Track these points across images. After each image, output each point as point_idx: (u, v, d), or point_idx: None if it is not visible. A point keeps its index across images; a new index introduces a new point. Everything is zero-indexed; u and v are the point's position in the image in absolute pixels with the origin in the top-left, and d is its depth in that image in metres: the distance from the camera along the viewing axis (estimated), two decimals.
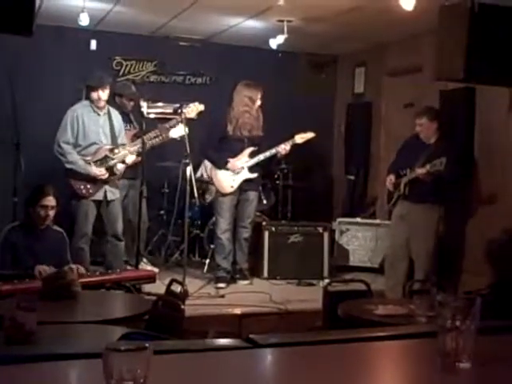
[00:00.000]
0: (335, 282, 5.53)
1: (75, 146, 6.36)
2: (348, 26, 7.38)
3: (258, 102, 6.82)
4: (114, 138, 6.46)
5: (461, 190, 6.70)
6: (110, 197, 6.43)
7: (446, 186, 6.24)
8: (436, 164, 5.91)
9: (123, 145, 6.52)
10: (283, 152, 6.88)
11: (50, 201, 4.99)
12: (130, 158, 6.48)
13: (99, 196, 6.38)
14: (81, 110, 6.46)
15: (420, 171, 6.09)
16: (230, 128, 6.78)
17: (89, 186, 6.32)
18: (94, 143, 6.40)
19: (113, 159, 6.39)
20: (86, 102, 6.54)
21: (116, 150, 6.41)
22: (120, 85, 7.35)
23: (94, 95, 6.39)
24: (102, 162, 6.38)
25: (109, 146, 6.42)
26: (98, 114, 6.46)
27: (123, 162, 6.44)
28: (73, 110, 6.45)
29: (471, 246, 6.70)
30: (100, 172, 6.31)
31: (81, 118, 6.38)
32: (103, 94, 6.40)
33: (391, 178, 6.46)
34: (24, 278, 4.57)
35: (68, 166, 6.32)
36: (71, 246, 5.95)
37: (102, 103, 6.44)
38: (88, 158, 6.34)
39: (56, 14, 7.16)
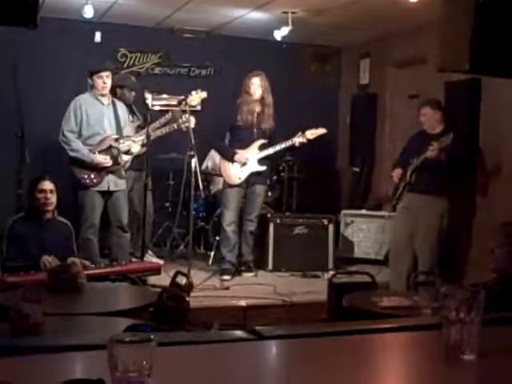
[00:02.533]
0: (340, 273, 5.54)
1: (79, 135, 6.34)
2: (352, 18, 7.36)
3: (263, 90, 6.74)
4: (118, 128, 6.43)
5: (466, 180, 6.69)
6: (112, 187, 6.38)
7: (453, 172, 6.22)
8: (443, 140, 5.90)
9: (128, 136, 6.51)
10: (296, 144, 6.84)
11: (47, 184, 5.02)
12: (136, 148, 6.47)
13: (104, 187, 6.35)
14: (84, 99, 6.43)
15: (429, 152, 6.04)
16: (239, 117, 6.75)
17: (92, 176, 6.30)
18: (98, 133, 6.37)
19: (117, 149, 6.38)
20: (90, 92, 6.51)
21: (121, 140, 6.39)
22: (120, 77, 7.31)
23: (99, 82, 6.34)
24: (107, 151, 6.36)
25: (114, 136, 6.40)
26: (102, 104, 6.42)
27: (128, 152, 6.43)
28: (76, 100, 6.43)
29: (477, 238, 6.69)
30: (104, 160, 6.29)
31: (84, 107, 6.34)
32: (108, 80, 6.36)
33: (398, 170, 6.44)
34: (30, 270, 4.59)
35: (72, 154, 6.30)
36: (79, 236, 5.99)
37: (107, 90, 6.40)
38: (92, 148, 6.33)
39: (60, 6, 7.15)
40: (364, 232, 7.87)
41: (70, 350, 1.61)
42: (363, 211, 8.06)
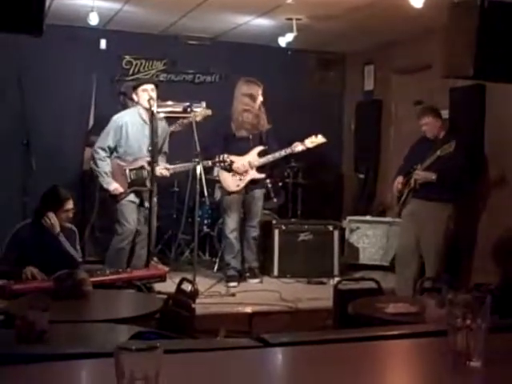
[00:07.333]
0: (346, 280, 5.52)
1: (116, 150, 6.27)
2: (357, 24, 7.37)
3: (260, 99, 6.74)
4: (156, 148, 6.26)
5: (472, 186, 6.68)
6: (147, 205, 6.32)
7: (456, 180, 6.22)
8: (445, 148, 5.93)
9: (164, 153, 6.50)
10: (295, 152, 6.83)
11: (70, 204, 5.02)
12: (161, 171, 6.41)
13: (136, 199, 6.32)
14: (126, 117, 6.31)
15: (430, 160, 6.07)
16: (233, 126, 6.75)
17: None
18: (135, 152, 6.30)
19: (148, 172, 6.27)
20: (133, 108, 6.41)
21: (154, 164, 6.25)
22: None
23: (144, 95, 6.18)
24: (137, 171, 6.31)
25: (148, 158, 6.26)
26: (145, 122, 6.26)
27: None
28: (119, 118, 6.30)
29: (482, 245, 6.68)
30: (116, 190, 6.22)
31: (125, 127, 6.23)
32: (153, 94, 6.19)
33: (399, 178, 6.45)
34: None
35: (95, 171, 6.27)
36: (112, 245, 6.15)
37: (151, 105, 6.12)
38: (124, 164, 6.30)
39: (66, 13, 7.18)
40: (369, 238, 7.86)
41: (76, 358, 1.61)
42: (368, 217, 8.05)
